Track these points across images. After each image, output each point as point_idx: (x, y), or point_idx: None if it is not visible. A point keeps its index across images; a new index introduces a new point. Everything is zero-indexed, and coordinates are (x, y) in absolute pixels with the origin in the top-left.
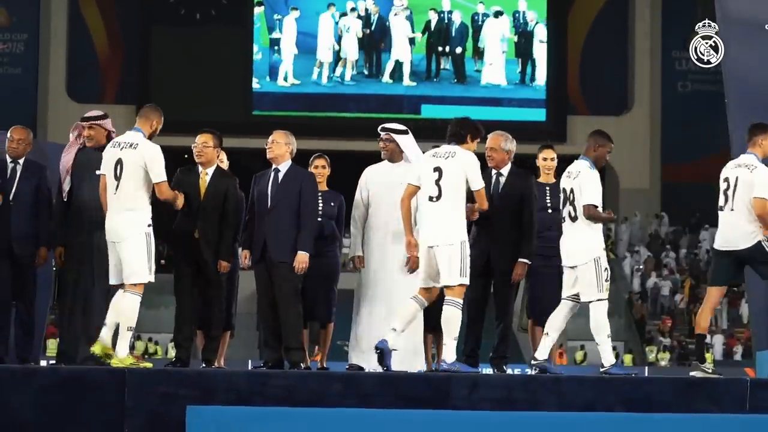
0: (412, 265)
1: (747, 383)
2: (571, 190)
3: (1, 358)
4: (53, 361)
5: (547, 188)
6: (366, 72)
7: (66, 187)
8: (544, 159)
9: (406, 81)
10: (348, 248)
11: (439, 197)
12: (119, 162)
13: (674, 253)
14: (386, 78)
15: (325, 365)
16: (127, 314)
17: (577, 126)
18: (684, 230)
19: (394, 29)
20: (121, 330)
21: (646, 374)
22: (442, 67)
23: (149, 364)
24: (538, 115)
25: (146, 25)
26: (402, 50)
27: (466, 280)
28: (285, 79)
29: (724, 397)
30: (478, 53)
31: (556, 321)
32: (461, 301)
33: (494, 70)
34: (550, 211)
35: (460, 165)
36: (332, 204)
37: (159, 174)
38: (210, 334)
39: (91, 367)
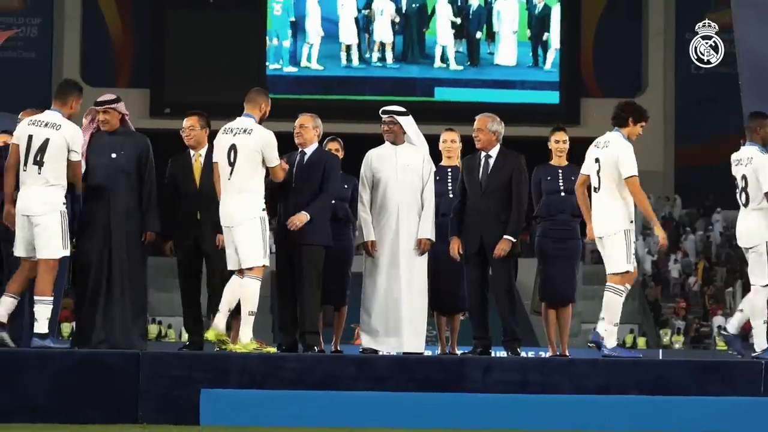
0: (423, 248)
1: (762, 366)
2: (743, 177)
3: (15, 341)
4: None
5: (560, 171)
6: (380, 55)
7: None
8: (556, 141)
9: (453, 65)
10: (357, 231)
11: (599, 188)
12: (233, 147)
13: (693, 236)
14: (438, 63)
15: (338, 348)
16: (248, 299)
17: (590, 108)
18: (698, 212)
19: (438, 13)
20: (243, 315)
21: (660, 357)
22: (455, 50)
23: (272, 349)
24: (551, 97)
25: (159, 8)
26: (444, 34)
27: (631, 267)
28: (309, 60)
29: (738, 379)
30: (491, 36)
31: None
32: (622, 288)
33: (507, 52)
34: (562, 194)
35: (614, 153)
36: (345, 187)
37: (274, 158)
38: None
39: (105, 350)
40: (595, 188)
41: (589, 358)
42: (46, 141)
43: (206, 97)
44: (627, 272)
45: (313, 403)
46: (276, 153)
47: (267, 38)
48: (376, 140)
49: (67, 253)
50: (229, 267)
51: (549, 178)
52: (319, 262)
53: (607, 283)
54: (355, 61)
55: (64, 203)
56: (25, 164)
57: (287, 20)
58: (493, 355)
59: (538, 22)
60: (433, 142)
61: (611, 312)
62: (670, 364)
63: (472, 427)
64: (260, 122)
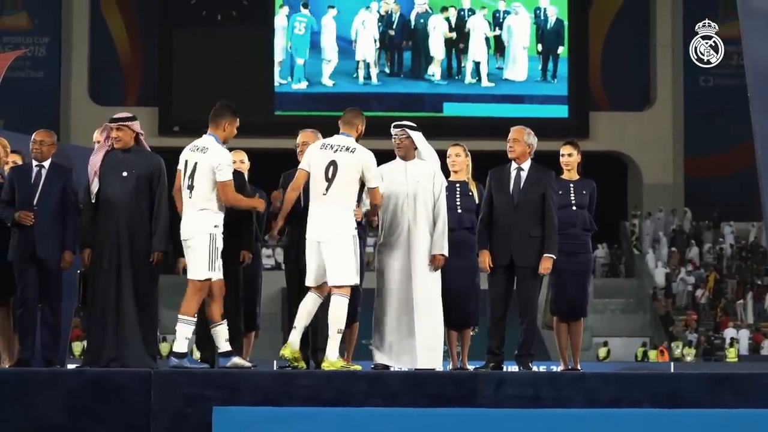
0: (437, 264)
1: None
2: None
3: (27, 360)
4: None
5: (571, 185)
6: (387, 71)
7: (94, 189)
8: (561, 155)
9: (485, 82)
10: (371, 247)
11: None
12: (332, 163)
13: (697, 248)
14: (468, 79)
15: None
16: (336, 317)
17: (599, 122)
18: (708, 225)
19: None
20: (331, 332)
21: (672, 370)
22: (463, 64)
23: (358, 367)
24: (560, 111)
25: (167, 26)
26: (479, 50)
27: None
28: (330, 78)
29: (750, 392)
30: (500, 51)
31: None
32: None
33: (518, 67)
34: (574, 208)
35: None
36: None
37: (374, 178)
38: (231, 333)
39: (116, 369)
40: None
41: (600, 372)
42: (195, 165)
43: None
44: None
45: (326, 420)
46: (376, 174)
47: (274, 55)
48: (384, 156)
49: (213, 275)
50: (308, 283)
51: (560, 192)
52: None
53: None
54: (374, 78)
55: (215, 226)
56: (183, 189)
57: (302, 37)
58: (504, 369)
59: (546, 37)
60: (441, 157)
61: None
62: (682, 376)
63: None
64: (357, 141)
